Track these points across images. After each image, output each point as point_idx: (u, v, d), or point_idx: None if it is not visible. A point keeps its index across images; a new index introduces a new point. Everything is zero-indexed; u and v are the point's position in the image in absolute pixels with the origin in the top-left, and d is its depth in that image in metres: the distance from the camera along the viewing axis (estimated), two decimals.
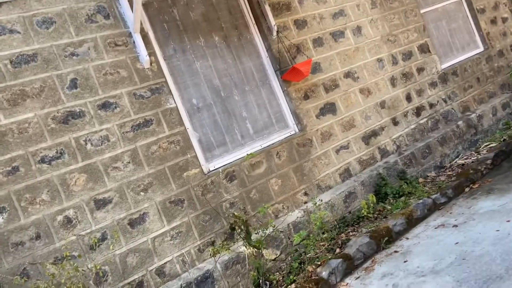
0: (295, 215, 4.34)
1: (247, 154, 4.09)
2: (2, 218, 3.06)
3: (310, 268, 3.62)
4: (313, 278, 3.45)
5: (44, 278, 2.95)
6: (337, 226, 4.29)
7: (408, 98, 5.63)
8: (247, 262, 3.83)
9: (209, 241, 3.91)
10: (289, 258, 4.10)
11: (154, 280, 3.59)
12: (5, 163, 3.12)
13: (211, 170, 4.13)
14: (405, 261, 3.40)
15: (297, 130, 4.72)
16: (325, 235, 4.05)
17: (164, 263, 3.67)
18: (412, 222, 4.03)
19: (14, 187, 3.13)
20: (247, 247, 3.75)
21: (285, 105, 4.71)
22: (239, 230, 3.71)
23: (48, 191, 3.26)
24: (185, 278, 3.67)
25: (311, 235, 3.92)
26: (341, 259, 3.60)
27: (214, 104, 4.32)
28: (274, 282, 3.70)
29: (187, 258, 3.77)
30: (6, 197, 3.09)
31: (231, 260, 3.85)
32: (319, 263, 3.66)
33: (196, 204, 3.92)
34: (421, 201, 4.23)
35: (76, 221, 3.34)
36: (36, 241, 3.15)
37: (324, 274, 3.47)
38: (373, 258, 3.69)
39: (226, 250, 3.62)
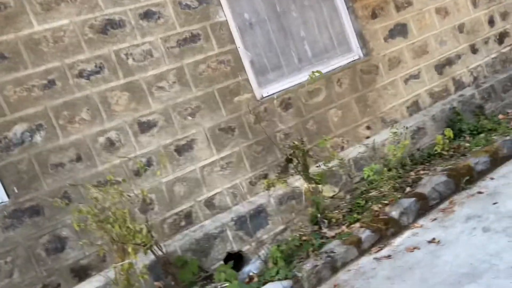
0: (356, 150, 3.86)
1: (312, 72, 3.50)
2: (40, 136, 2.77)
3: (375, 207, 3.20)
4: (381, 217, 3.04)
5: (86, 202, 2.69)
6: (404, 164, 3.79)
7: (491, 22, 4.80)
8: (303, 198, 3.46)
9: (261, 174, 3.54)
10: (348, 196, 3.69)
11: (203, 211, 3.29)
12: (40, 75, 2.78)
13: (264, 96, 3.66)
14: (494, 203, 2.90)
15: (361, 55, 4.10)
16: (391, 172, 3.57)
17: (214, 194, 3.35)
18: (497, 161, 3.47)
19: (51, 103, 2.81)
20: (306, 181, 3.35)
21: (349, 24, 4.06)
22: (296, 163, 3.29)
23: (88, 109, 2.93)
24: (236, 211, 3.35)
25: (375, 172, 3.45)
26: (413, 198, 3.15)
27: (268, 20, 3.75)
28: (333, 220, 3.32)
29: (237, 190, 3.43)
30: (43, 114, 2.78)
31: (285, 195, 3.49)
32: (386, 202, 3.23)
33: (247, 133, 3.51)
34: (508, 137, 3.62)
35: (119, 144, 3.02)
36: (77, 163, 2.87)
37: (394, 213, 3.04)
38: (451, 199, 3.21)
39: (282, 183, 3.24)
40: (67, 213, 2.75)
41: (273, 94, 3.69)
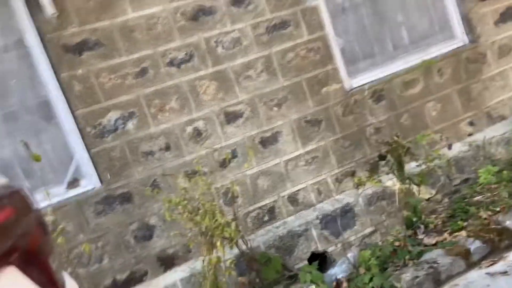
0: (457, 148, 3.46)
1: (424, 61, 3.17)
2: (132, 124, 2.79)
3: (484, 214, 2.82)
4: (492, 227, 2.67)
5: (175, 192, 2.66)
6: None
7: None
8: (396, 199, 3.17)
9: (348, 171, 3.30)
10: (446, 200, 3.33)
11: (286, 207, 3.15)
12: (133, 63, 2.78)
13: (354, 87, 3.40)
14: None
15: (466, 41, 3.66)
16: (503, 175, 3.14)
17: (297, 190, 3.19)
18: None
19: (143, 91, 2.81)
20: (399, 181, 3.05)
21: (454, 7, 3.63)
22: (393, 160, 3.01)
23: (177, 98, 2.89)
24: (321, 209, 3.16)
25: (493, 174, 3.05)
26: None
27: (363, 3, 3.46)
28: (431, 226, 3.00)
29: (323, 187, 3.23)
30: (135, 101, 2.79)
31: (375, 195, 3.22)
32: (497, 209, 2.84)
33: (335, 126, 3.29)
34: None
35: (206, 134, 2.96)
36: (165, 152, 2.85)
37: (509, 223, 2.66)
38: None
39: (374, 182, 2.98)
40: (156, 201, 2.75)
41: (363, 84, 3.41)
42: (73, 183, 2.74)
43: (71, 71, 2.67)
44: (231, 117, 3.03)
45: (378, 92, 3.41)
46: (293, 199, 3.17)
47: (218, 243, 2.24)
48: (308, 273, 2.84)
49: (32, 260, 0.85)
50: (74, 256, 2.62)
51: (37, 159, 2.14)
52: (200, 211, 2.29)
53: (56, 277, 0.95)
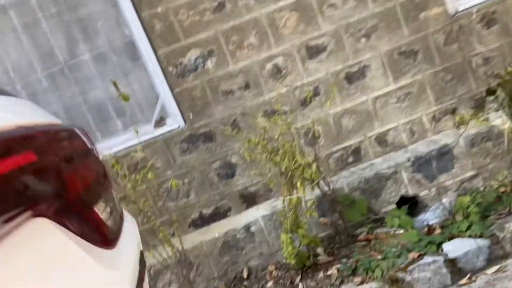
0: None
1: None
2: (211, 62, 2.74)
3: None
4: None
5: (254, 131, 2.61)
6: None
7: None
8: (505, 140, 2.75)
9: (448, 108, 2.93)
10: None
11: (373, 148, 2.93)
12: None
13: (459, 10, 2.90)
14: None
15: None
16: None
17: (387, 130, 2.94)
18: None
19: (221, 27, 2.71)
20: (511, 119, 2.62)
21: None
22: (504, 95, 2.57)
23: (256, 33, 2.75)
24: (413, 151, 2.89)
25: None
26: None
27: None
28: None
29: (417, 126, 2.93)
30: (214, 39, 2.72)
31: (479, 135, 2.83)
32: None
33: (434, 58, 2.89)
34: None
35: (286, 71, 2.81)
36: (245, 91, 2.78)
37: None
38: None
39: (480, 121, 2.61)
40: (237, 140, 2.75)
41: (471, 7, 2.90)
42: (160, 122, 2.84)
43: (151, 10, 2.66)
44: (313, 52, 2.82)
45: (489, 16, 2.88)
46: (381, 140, 2.94)
47: (299, 184, 2.17)
48: (396, 217, 2.68)
49: (73, 209, 0.75)
50: (163, 191, 2.78)
51: (125, 98, 2.22)
52: (280, 151, 2.21)
53: (105, 224, 0.87)
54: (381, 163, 2.91)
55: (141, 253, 1.10)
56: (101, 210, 0.88)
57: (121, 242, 0.92)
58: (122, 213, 1.13)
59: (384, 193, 2.87)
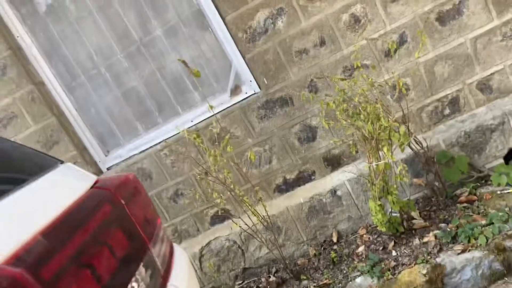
0: None
1: None
2: (281, 21, 2.56)
3: None
4: None
5: (333, 93, 2.43)
6: None
7: None
8: None
9: None
10: None
11: (475, 96, 2.56)
12: None
13: None
14: None
15: None
16: None
17: (491, 74, 2.53)
18: None
19: None
20: None
21: None
22: None
23: None
24: None
25: None
26: None
27: None
28: None
29: None
30: None
31: None
32: None
33: None
34: None
35: (365, 20, 2.52)
36: (320, 48, 2.58)
37: None
38: None
39: None
40: (316, 102, 2.60)
41: None
42: (235, 90, 2.79)
43: None
44: None
45: None
46: (484, 86, 2.55)
47: (385, 149, 1.98)
48: (503, 174, 2.36)
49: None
50: (246, 159, 2.78)
51: (197, 75, 2.19)
52: (362, 114, 2.02)
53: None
54: (484, 113, 2.54)
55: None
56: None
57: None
58: (171, 245, 1.13)
59: (489, 147, 2.53)
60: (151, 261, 1.02)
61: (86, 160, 2.94)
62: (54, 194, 0.94)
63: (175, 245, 1.26)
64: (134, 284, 0.91)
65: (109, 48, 2.83)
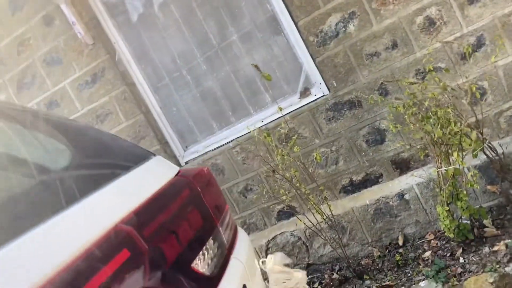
0: None
1: None
2: (353, 25, 2.62)
3: None
4: None
5: (404, 96, 2.43)
6: None
7: None
8: None
9: None
10: None
11: None
12: None
13: None
14: None
15: None
16: None
17: None
18: None
19: None
20: None
21: None
22: None
23: None
24: None
25: None
26: None
27: None
28: None
29: None
30: (354, 0, 2.57)
31: None
32: None
33: None
34: None
35: (440, 23, 2.48)
36: (392, 51, 2.59)
37: None
38: None
39: None
40: (385, 105, 2.62)
41: None
42: (305, 92, 2.90)
43: None
44: None
45: None
46: None
47: (455, 154, 1.96)
48: None
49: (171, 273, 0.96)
50: (312, 159, 2.88)
51: (268, 78, 2.34)
52: (431, 119, 2.01)
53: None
54: None
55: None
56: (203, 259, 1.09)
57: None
58: (236, 228, 1.33)
59: None
60: (218, 236, 1.26)
61: (167, 154, 3.24)
62: (150, 178, 1.19)
63: (239, 228, 1.49)
64: (205, 251, 1.13)
65: (190, 52, 3.08)
